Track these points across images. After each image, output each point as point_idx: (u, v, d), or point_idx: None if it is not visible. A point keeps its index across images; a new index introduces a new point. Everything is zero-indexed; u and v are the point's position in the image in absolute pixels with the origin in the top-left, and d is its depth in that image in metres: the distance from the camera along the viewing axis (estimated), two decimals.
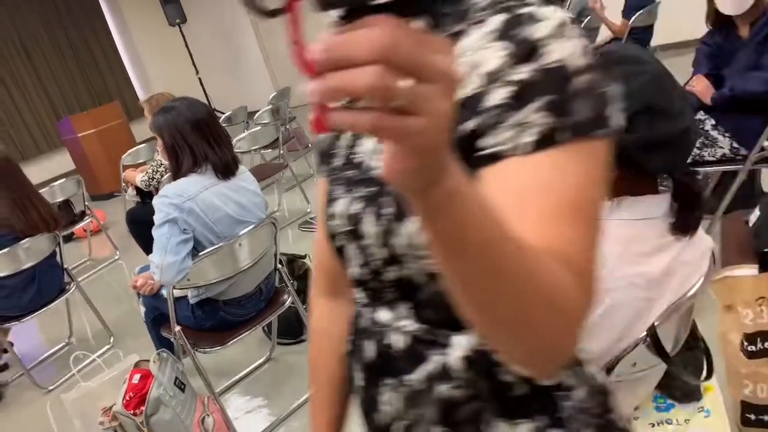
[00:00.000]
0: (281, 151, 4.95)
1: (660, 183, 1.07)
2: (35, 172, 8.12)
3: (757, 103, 2.29)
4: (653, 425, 1.25)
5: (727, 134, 2.39)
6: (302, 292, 2.93)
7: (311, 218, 3.12)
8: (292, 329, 2.88)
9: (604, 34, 5.41)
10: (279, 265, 2.45)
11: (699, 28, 2.55)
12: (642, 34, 4.64)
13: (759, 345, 1.57)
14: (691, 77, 2.53)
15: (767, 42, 2.29)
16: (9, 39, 8.46)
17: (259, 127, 4.63)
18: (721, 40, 2.47)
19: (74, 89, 9.22)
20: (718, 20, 2.45)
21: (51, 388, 3.14)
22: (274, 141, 4.80)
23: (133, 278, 2.40)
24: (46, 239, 3.06)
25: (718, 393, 1.30)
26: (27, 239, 2.94)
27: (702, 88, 2.43)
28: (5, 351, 3.38)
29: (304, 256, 3.12)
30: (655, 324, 1.02)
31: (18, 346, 3.45)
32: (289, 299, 2.43)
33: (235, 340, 2.24)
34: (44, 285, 3.11)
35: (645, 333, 1.02)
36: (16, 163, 3.13)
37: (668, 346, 1.08)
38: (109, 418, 2.03)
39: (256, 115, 5.57)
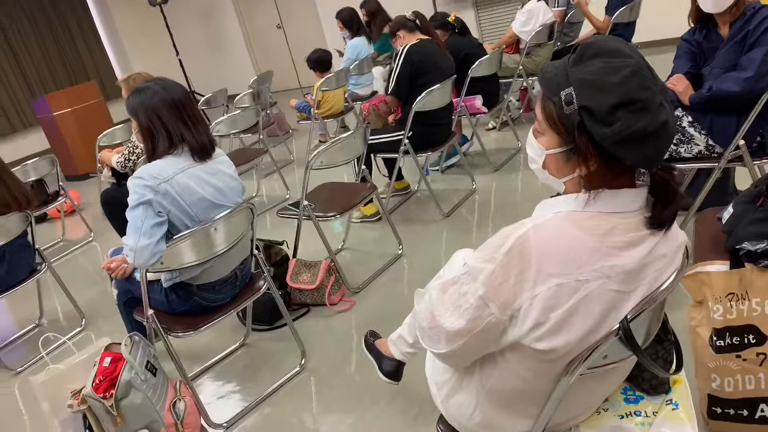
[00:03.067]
0: (261, 136, 4.91)
1: (637, 177, 1.07)
2: (8, 150, 7.95)
3: (733, 103, 2.32)
4: (622, 417, 1.26)
5: (703, 132, 2.41)
6: (278, 278, 2.92)
7: (290, 204, 3.10)
8: (267, 315, 2.87)
9: (587, 30, 5.44)
10: (255, 251, 2.42)
11: (680, 27, 2.56)
12: (624, 31, 4.67)
13: (727, 340, 1.60)
14: (671, 74, 2.55)
15: (745, 42, 2.31)
16: None
17: (238, 111, 4.57)
18: (701, 39, 2.49)
19: (51, 67, 9.01)
20: (699, 18, 2.47)
21: (19, 369, 3.09)
22: (254, 125, 4.74)
23: (106, 260, 2.35)
24: (17, 218, 2.99)
25: (687, 386, 1.32)
26: None
27: (682, 88, 2.45)
28: None
29: (282, 243, 3.10)
30: (628, 317, 1.02)
31: None
32: (265, 285, 2.41)
33: (208, 325, 2.21)
34: (14, 265, 3.05)
35: (617, 325, 1.03)
36: None
37: (640, 339, 1.09)
38: (78, 401, 2.00)
39: (237, 98, 5.50)
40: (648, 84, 0.97)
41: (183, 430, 2.07)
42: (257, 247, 2.45)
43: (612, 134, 0.97)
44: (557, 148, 1.06)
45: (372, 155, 3.81)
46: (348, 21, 5.76)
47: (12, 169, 3.23)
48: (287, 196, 4.75)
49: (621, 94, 0.96)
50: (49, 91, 8.07)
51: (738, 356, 1.59)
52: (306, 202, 2.94)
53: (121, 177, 3.67)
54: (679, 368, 1.27)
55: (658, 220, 1.05)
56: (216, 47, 10.45)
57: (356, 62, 5.53)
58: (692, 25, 2.51)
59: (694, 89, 2.43)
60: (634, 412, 1.27)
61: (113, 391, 1.96)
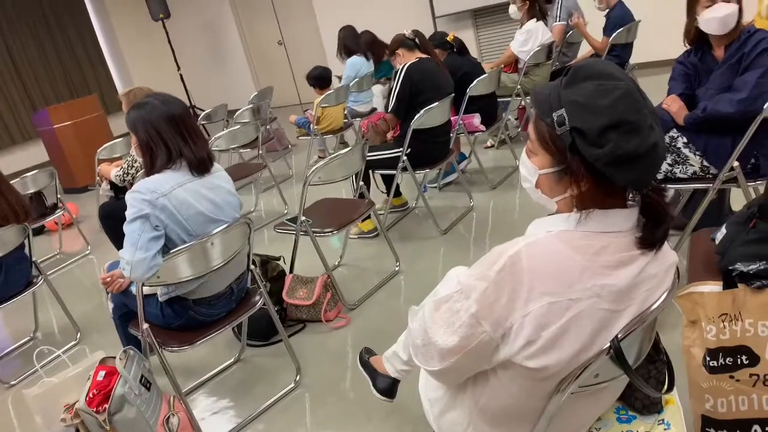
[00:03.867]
0: (260, 151, 4.93)
1: (628, 197, 1.08)
2: (7, 162, 7.97)
3: (727, 124, 2.34)
4: None
5: (698, 153, 2.43)
6: (274, 294, 2.92)
7: (287, 220, 3.11)
8: (263, 331, 2.86)
9: (584, 50, 5.49)
10: (252, 266, 2.43)
11: (677, 48, 2.59)
12: (621, 52, 4.72)
13: (721, 360, 1.60)
14: (667, 95, 2.57)
15: (740, 64, 2.34)
16: None
17: (238, 126, 4.60)
18: (696, 61, 2.52)
19: (52, 81, 9.07)
20: (695, 40, 2.50)
21: (13, 382, 3.08)
22: (254, 140, 4.77)
23: (102, 274, 2.36)
24: (15, 230, 3.00)
25: (679, 406, 1.32)
26: None
27: (676, 108, 2.47)
28: None
29: (279, 258, 3.11)
30: (618, 336, 1.03)
31: None
32: (261, 300, 2.41)
33: (203, 340, 2.21)
34: (11, 277, 3.05)
35: (608, 345, 1.03)
36: None
37: (631, 359, 1.10)
38: (72, 414, 2.00)
39: (237, 113, 5.54)
40: (638, 106, 0.99)
41: None
42: (254, 262, 2.45)
43: (603, 155, 0.98)
44: (549, 168, 1.08)
45: (370, 171, 3.83)
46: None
47: (11, 181, 3.24)
48: (285, 211, 4.76)
49: (612, 116, 0.98)
50: (50, 103, 8.10)
51: (731, 377, 1.59)
52: (303, 218, 2.95)
53: (119, 190, 3.68)
54: (670, 388, 1.28)
55: (649, 240, 1.06)
56: (217, 62, 10.53)
57: (356, 79, 5.57)
58: (687, 46, 2.54)
59: (689, 110, 2.45)
60: None
61: (107, 406, 1.95)
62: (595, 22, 5.16)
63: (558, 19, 5.07)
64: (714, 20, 2.34)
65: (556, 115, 1.02)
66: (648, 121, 0.99)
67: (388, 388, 1.95)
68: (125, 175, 3.38)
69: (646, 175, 1.02)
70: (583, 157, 1.01)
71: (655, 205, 1.06)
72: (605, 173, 1.00)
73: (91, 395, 1.98)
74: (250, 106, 5.70)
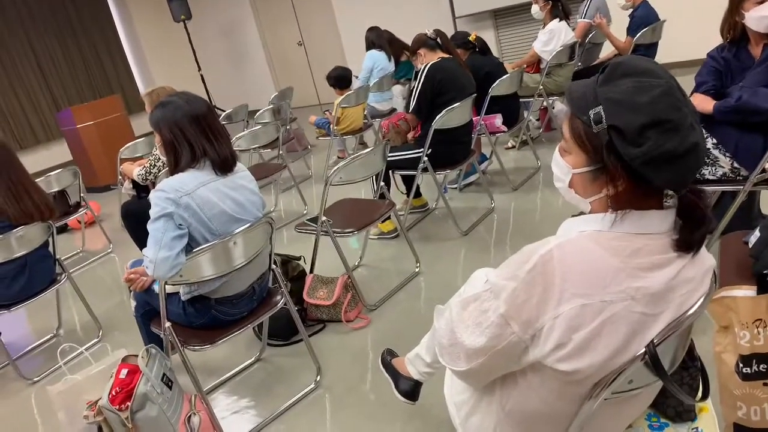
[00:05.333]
0: (280, 152, 4.94)
1: (665, 198, 1.05)
2: (32, 161, 8.08)
3: (757, 118, 2.26)
4: None
5: (728, 154, 2.38)
6: (295, 294, 2.92)
7: (308, 220, 3.10)
8: (283, 331, 2.86)
9: (608, 51, 5.43)
10: (273, 266, 2.42)
11: (704, 48, 2.53)
12: (646, 52, 4.65)
13: (754, 367, 1.55)
14: (693, 90, 2.51)
15: None
16: (13, 30, 8.44)
17: (259, 126, 4.61)
18: (730, 57, 2.44)
19: (76, 81, 9.19)
20: (735, 35, 2.43)
21: (36, 379, 3.11)
22: (274, 141, 4.78)
23: (126, 271, 2.37)
24: (40, 228, 3.03)
25: (713, 414, 1.29)
26: (20, 227, 2.92)
27: (699, 100, 2.41)
28: None
29: (299, 258, 3.10)
30: (654, 341, 1.00)
31: (5, 336, 3.41)
32: (282, 300, 2.40)
33: (225, 339, 2.21)
34: (35, 275, 3.08)
35: (643, 350, 1.00)
36: (12, 150, 3.10)
37: (666, 364, 1.07)
38: (94, 412, 2.00)
39: (257, 114, 5.56)
40: (679, 105, 0.96)
41: None
42: (275, 262, 2.45)
43: (641, 154, 0.95)
44: (584, 168, 1.05)
45: (390, 172, 3.81)
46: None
47: (36, 180, 3.27)
48: (305, 212, 4.76)
49: (651, 114, 0.95)
50: (73, 104, 8.22)
51: (765, 384, 1.54)
52: (324, 218, 2.94)
53: (141, 189, 3.71)
54: (705, 395, 1.24)
55: (687, 242, 1.03)
56: (238, 63, 10.59)
57: (372, 72, 5.57)
58: (727, 37, 2.46)
59: None
60: None
61: (129, 404, 1.96)
62: (618, 23, 5.09)
63: (584, 16, 5.01)
64: (766, 19, 2.29)
65: (593, 112, 0.99)
66: (688, 119, 0.96)
67: (411, 390, 1.93)
68: (147, 174, 3.40)
69: (685, 176, 0.98)
70: (619, 156, 0.98)
71: (693, 207, 1.03)
72: (643, 173, 0.97)
73: (113, 393, 1.99)
74: (271, 106, 5.72)
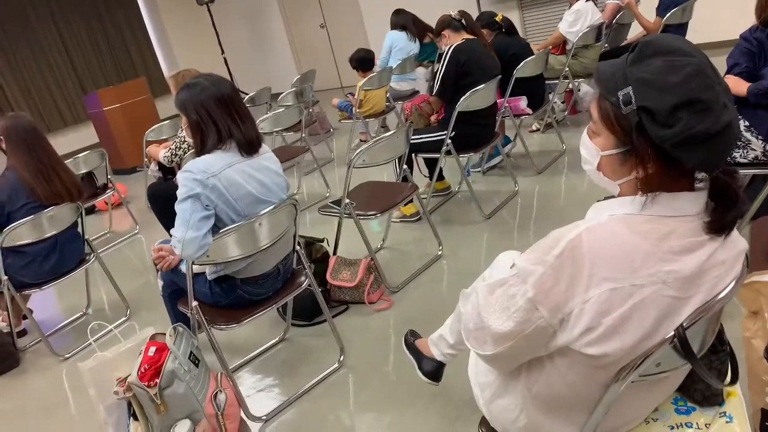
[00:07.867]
0: (303, 135, 4.96)
1: (696, 180, 1.04)
2: (60, 143, 8.22)
3: None
4: (672, 428, 1.23)
5: (760, 137, 2.33)
6: (318, 275, 2.94)
7: (331, 202, 3.11)
8: (307, 311, 2.89)
9: (636, 32, 5.32)
10: (297, 247, 2.44)
11: (736, 28, 2.46)
12: (675, 32, 4.55)
13: None
14: (726, 72, 2.45)
15: None
16: (41, 14, 8.55)
17: (282, 109, 4.62)
18: (763, 38, 2.38)
19: (101, 64, 9.30)
20: (766, 16, 2.36)
21: (67, 355, 3.19)
22: (297, 124, 4.79)
23: (155, 247, 2.41)
24: (69, 209, 3.09)
25: (742, 399, 1.27)
26: (51, 208, 2.98)
27: (732, 82, 2.35)
28: (24, 317, 3.44)
29: (323, 240, 3.12)
30: (684, 324, 0.99)
31: (37, 314, 3.50)
32: (306, 281, 2.43)
33: (250, 318, 2.24)
34: (65, 254, 3.15)
35: (672, 333, 0.99)
36: (42, 132, 3.16)
37: (695, 348, 1.06)
38: (124, 388, 2.05)
39: (280, 97, 5.57)
40: (711, 84, 0.94)
41: (224, 421, 2.10)
42: (299, 243, 2.46)
43: (672, 136, 0.93)
44: (613, 150, 1.03)
45: (413, 155, 3.80)
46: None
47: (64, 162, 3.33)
48: (327, 194, 4.78)
49: (683, 94, 0.93)
50: (99, 87, 8.32)
51: None
52: (347, 200, 2.95)
53: (167, 171, 3.76)
54: (734, 380, 1.23)
55: (719, 225, 1.01)
56: (260, 46, 10.60)
57: (390, 52, 5.55)
58: (761, 17, 2.39)
59: None
60: (685, 424, 1.23)
61: (158, 380, 2.00)
62: (647, 2, 4.98)
63: None
64: None
65: (622, 93, 0.97)
66: (721, 99, 0.94)
67: (434, 371, 1.94)
68: (173, 156, 3.44)
69: (718, 157, 0.96)
70: (650, 138, 0.96)
71: (725, 188, 1.01)
72: (674, 155, 0.95)
73: (142, 370, 2.03)
74: (293, 89, 5.72)
